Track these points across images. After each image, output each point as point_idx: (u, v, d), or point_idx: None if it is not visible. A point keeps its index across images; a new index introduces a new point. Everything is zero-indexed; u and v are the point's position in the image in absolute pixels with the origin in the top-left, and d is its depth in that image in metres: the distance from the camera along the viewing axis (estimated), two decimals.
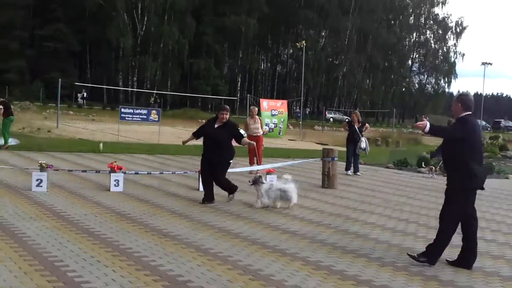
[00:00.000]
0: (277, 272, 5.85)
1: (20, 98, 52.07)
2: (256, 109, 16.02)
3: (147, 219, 8.19)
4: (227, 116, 9.99)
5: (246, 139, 10.52)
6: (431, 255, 6.48)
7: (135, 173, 12.69)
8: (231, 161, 10.16)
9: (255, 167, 14.78)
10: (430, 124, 6.46)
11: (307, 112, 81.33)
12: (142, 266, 5.75)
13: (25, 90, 60.90)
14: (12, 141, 18.66)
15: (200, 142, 10.26)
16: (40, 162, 10.61)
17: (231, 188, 10.18)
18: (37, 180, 10.11)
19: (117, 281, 5.25)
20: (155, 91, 61.29)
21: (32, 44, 65.39)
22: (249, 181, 10.14)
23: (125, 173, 11.23)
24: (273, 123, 36.99)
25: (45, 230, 7.11)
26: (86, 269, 5.54)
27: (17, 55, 62.48)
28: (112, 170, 10.81)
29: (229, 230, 7.81)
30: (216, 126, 9.98)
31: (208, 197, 9.94)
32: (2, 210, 8.17)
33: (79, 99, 58.19)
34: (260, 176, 10.13)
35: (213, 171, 9.90)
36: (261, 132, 15.61)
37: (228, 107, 10.37)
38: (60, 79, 34.41)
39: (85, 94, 59.76)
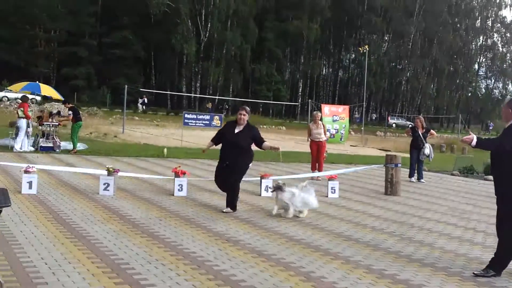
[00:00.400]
0: (340, 280, 5.80)
1: (87, 104, 53.86)
2: (320, 114, 15.96)
3: (210, 224, 8.29)
4: (246, 118, 9.37)
5: (267, 143, 9.62)
6: (495, 266, 6.28)
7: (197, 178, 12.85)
8: (250, 164, 9.77)
9: (316, 173, 14.73)
10: (477, 138, 6.22)
11: (374, 117, 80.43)
12: (206, 271, 5.82)
13: (93, 96, 63.00)
14: (80, 146, 19.28)
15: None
16: (107, 166, 10.90)
17: (234, 204, 9.48)
18: (104, 184, 10.40)
19: (181, 284, 5.33)
20: (217, 97, 61.97)
21: (99, 51, 67.44)
22: (269, 188, 9.86)
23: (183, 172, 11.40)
24: (335, 129, 36.69)
25: (112, 233, 7.30)
26: (151, 272, 5.65)
27: (85, 62, 64.71)
28: (176, 175, 11.00)
29: (291, 236, 7.80)
30: (236, 131, 9.34)
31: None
32: (71, 213, 8.45)
33: (139, 105, 59.11)
34: (283, 184, 9.45)
35: (231, 175, 9.30)
36: (324, 138, 15.53)
37: (247, 108, 9.69)
38: (126, 85, 35.29)
39: (145, 100, 60.84)
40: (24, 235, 6.84)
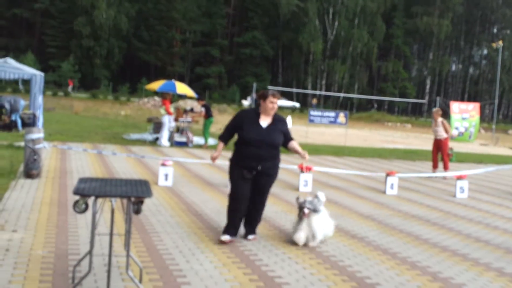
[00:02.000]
0: (469, 282, 5.67)
1: (218, 101, 55.85)
2: (439, 111, 15.42)
3: (335, 220, 8.36)
4: (276, 107, 6.77)
5: (295, 144, 6.89)
6: None
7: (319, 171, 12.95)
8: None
9: (441, 173, 14.30)
10: None
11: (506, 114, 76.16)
12: (331, 265, 5.93)
13: (223, 93, 65.30)
14: (211, 141, 20.09)
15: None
16: None
17: (256, 225, 7.01)
18: None
19: (307, 278, 5.48)
20: (342, 94, 61.72)
21: (230, 51, 69.71)
22: (305, 208, 6.74)
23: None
24: (464, 127, 35.20)
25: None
26: (278, 264, 5.85)
27: (217, 61, 67.35)
28: (301, 171, 11.19)
29: (418, 235, 7.70)
30: (263, 124, 6.67)
31: (234, 227, 6.73)
32: (203, 205, 8.90)
33: (243, 101, 58.81)
34: (317, 199, 6.99)
35: (264, 185, 6.72)
36: (445, 136, 15.02)
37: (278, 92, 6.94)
38: (254, 83, 36.16)
39: (249, 99, 61.28)
40: (160, 224, 7.33)
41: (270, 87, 44.11)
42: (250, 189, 6.66)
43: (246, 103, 58.01)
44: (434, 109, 15.68)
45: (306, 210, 6.66)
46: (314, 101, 61.27)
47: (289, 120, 26.74)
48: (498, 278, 5.87)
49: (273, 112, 6.70)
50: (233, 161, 6.71)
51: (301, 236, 6.66)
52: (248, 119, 6.66)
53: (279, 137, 6.66)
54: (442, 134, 15.01)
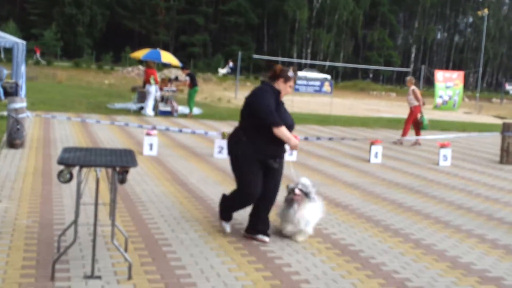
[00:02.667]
0: (450, 248, 5.76)
1: (203, 70, 55.41)
2: (412, 80, 15.52)
3: (319, 189, 8.43)
4: None
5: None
6: None
7: (305, 139, 13.01)
8: None
9: (408, 137, 14.77)
10: None
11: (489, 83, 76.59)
12: (314, 233, 5.96)
13: (208, 62, 64.86)
14: (196, 110, 20.02)
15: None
16: (223, 131, 11.31)
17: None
18: (219, 147, 10.82)
19: (291, 246, 5.53)
20: (327, 63, 61.58)
21: (215, 19, 69.06)
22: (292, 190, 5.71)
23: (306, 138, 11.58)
24: (448, 95, 35.42)
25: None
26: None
27: (202, 29, 66.71)
28: None
29: (401, 203, 7.79)
30: (285, 108, 5.70)
31: (228, 216, 5.86)
32: (189, 174, 8.91)
33: (219, 69, 56.67)
34: (313, 184, 5.88)
35: (276, 177, 5.68)
36: (415, 104, 15.05)
37: None
38: (240, 52, 35.93)
39: (231, 64, 60.27)
40: (146, 193, 7.34)
41: (255, 56, 43.93)
42: (271, 179, 5.64)
43: (222, 71, 56.63)
44: (407, 78, 15.77)
45: (297, 191, 5.63)
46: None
47: None
48: (479, 245, 5.97)
49: (288, 92, 5.68)
50: (249, 151, 5.45)
51: (288, 230, 5.69)
52: (275, 100, 5.51)
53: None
54: (413, 102, 15.11)
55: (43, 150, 10.17)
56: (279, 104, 5.55)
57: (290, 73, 5.60)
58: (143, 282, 4.31)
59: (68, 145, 10.82)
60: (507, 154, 12.63)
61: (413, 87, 15.12)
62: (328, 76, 60.13)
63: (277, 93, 5.56)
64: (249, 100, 5.52)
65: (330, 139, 13.07)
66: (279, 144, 5.50)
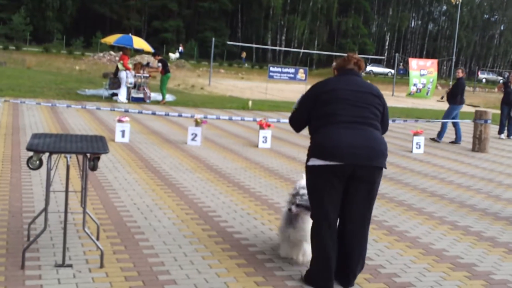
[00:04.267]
0: (423, 235, 5.80)
1: None
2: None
3: (294, 176, 8.43)
4: None
5: None
6: None
7: (277, 121, 12.99)
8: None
9: None
10: None
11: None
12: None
13: None
14: (169, 97, 19.84)
15: None
16: (195, 117, 11.22)
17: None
18: (192, 134, 10.74)
19: (265, 233, 5.51)
20: (302, 50, 61.64)
21: (188, 4, 68.42)
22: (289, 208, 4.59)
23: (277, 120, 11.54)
24: (422, 83, 35.75)
25: (200, 181, 7.57)
26: (236, 220, 5.86)
27: (175, 15, 66.01)
28: (261, 127, 11.17)
29: None
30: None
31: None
32: (161, 161, 8.82)
33: (170, 54, 54.37)
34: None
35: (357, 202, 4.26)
36: None
37: None
38: (213, 38, 35.69)
39: (181, 48, 59.47)
40: (118, 181, 7.24)
41: (229, 43, 43.73)
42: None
43: (174, 56, 55.06)
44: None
45: (294, 208, 4.52)
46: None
47: None
48: (452, 231, 6.02)
49: None
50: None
51: (287, 252, 4.76)
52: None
53: None
54: None
55: (12, 137, 9.97)
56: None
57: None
58: (116, 270, 4.24)
59: (38, 132, 10.63)
60: (479, 141, 12.79)
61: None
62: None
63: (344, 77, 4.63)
64: (384, 101, 4.59)
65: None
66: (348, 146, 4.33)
